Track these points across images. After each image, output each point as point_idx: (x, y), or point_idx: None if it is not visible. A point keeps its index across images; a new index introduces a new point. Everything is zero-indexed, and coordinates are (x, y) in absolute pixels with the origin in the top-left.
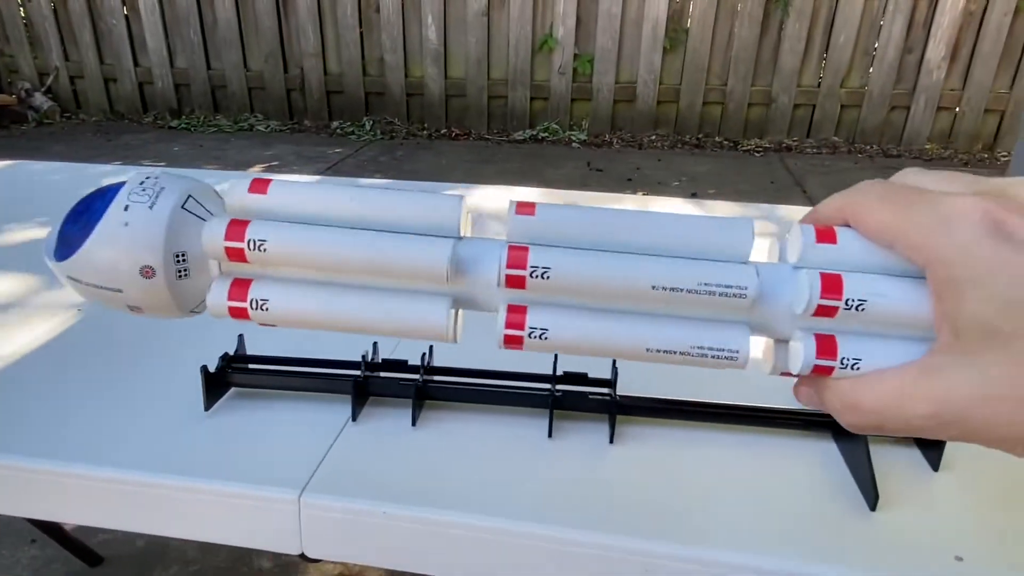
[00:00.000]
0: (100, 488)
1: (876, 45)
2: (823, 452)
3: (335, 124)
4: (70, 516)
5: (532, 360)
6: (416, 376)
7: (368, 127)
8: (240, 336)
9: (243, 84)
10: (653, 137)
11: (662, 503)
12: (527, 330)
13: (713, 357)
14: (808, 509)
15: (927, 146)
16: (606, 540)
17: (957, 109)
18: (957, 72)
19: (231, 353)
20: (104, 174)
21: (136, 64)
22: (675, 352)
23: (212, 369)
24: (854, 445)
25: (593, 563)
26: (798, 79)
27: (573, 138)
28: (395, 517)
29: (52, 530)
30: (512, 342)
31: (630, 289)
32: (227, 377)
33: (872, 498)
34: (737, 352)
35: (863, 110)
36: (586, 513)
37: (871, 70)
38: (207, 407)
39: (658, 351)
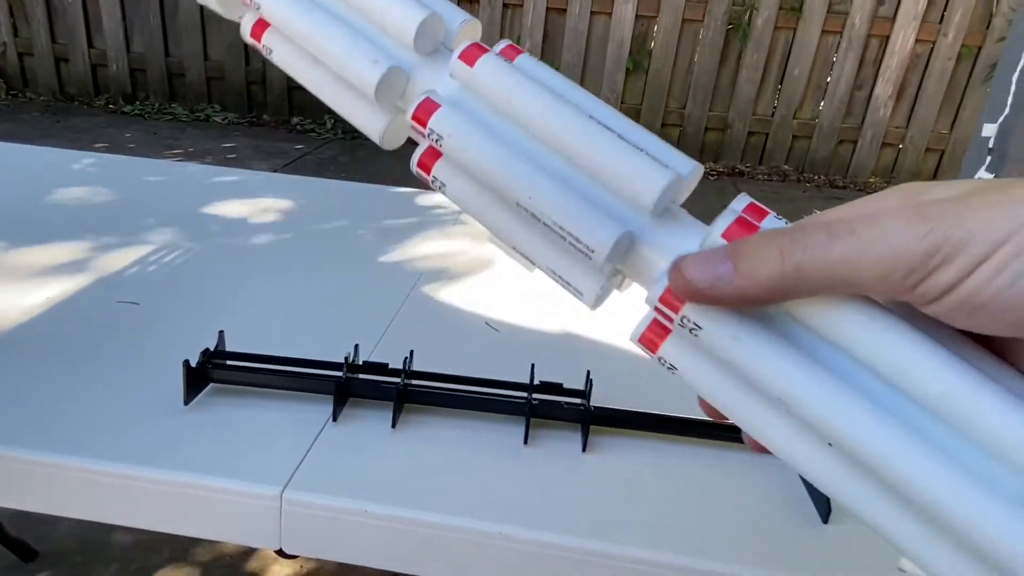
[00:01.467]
0: (74, 478)
1: (828, 80)
2: (781, 466)
3: (295, 120)
4: (40, 505)
5: (511, 369)
6: (397, 379)
7: (329, 125)
8: (220, 333)
9: (202, 73)
10: None
11: (630, 510)
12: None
13: (572, 244)
14: (765, 520)
15: (871, 179)
16: (577, 543)
17: (900, 146)
18: (902, 111)
19: (212, 349)
20: (53, 160)
21: (91, 45)
22: (541, 220)
23: (193, 364)
24: None
25: (565, 566)
26: (754, 107)
27: None
28: (375, 516)
29: None
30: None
31: (501, 193)
32: (208, 373)
33: (824, 511)
34: (593, 251)
35: (813, 141)
36: (559, 517)
37: (822, 104)
38: (187, 401)
39: (528, 211)
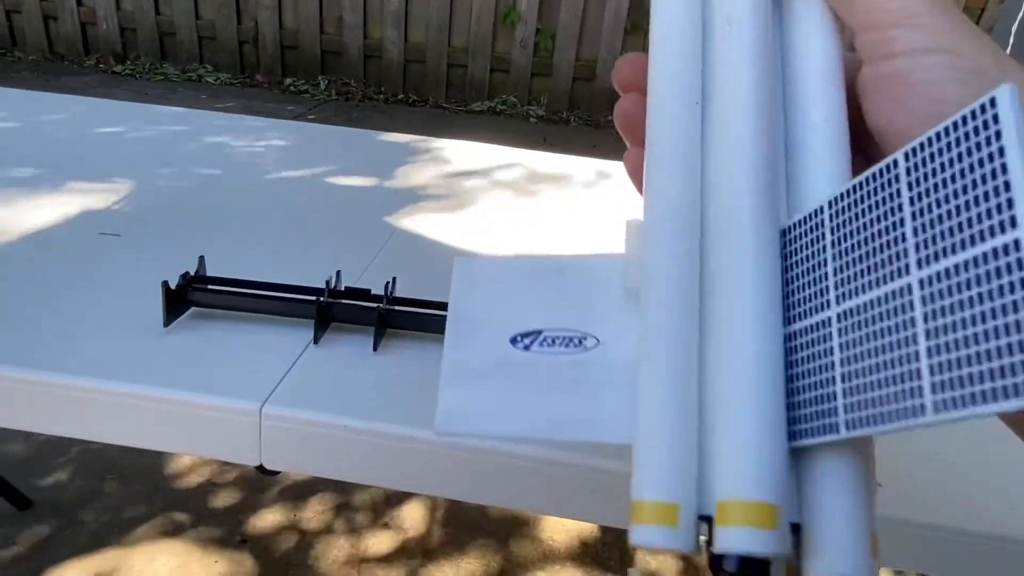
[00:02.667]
0: (50, 394)
1: None
2: None
3: (288, 81)
4: (22, 422)
5: None
6: (379, 304)
7: (323, 86)
8: (201, 258)
9: (193, 33)
10: (610, 118)
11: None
12: None
13: None
14: None
15: None
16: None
17: None
18: None
19: (192, 273)
20: (43, 103)
21: (79, 3)
22: None
23: (172, 286)
24: None
25: (548, 480)
26: None
27: (531, 113)
28: (354, 431)
29: None
30: None
31: None
32: (187, 295)
33: None
34: None
35: None
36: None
37: None
38: (166, 323)
39: None
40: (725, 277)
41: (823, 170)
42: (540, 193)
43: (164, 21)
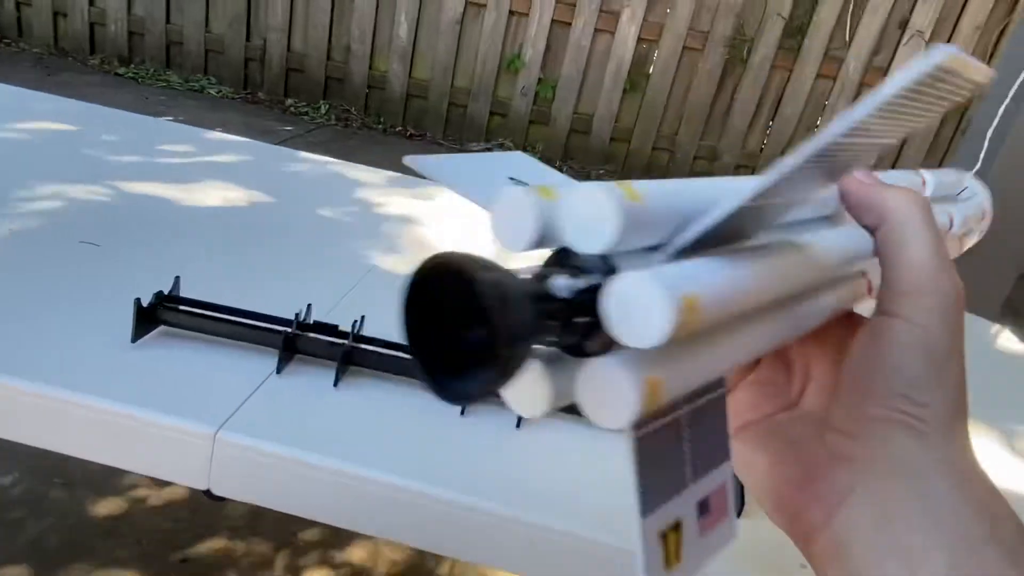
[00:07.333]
0: (13, 398)
1: (819, 122)
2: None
3: (290, 102)
4: None
5: None
6: (345, 341)
7: (324, 110)
8: (176, 278)
9: (201, 44)
10: (602, 172)
11: (561, 487)
12: None
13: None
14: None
15: None
16: (495, 508)
17: None
18: (886, 162)
19: (166, 292)
20: (43, 110)
21: (91, 3)
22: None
23: (145, 304)
24: None
25: (484, 531)
26: (744, 142)
27: None
28: (306, 464)
29: None
30: None
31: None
32: (159, 314)
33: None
34: None
35: None
36: (493, 485)
37: None
38: (134, 339)
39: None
40: None
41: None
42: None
43: (173, 30)
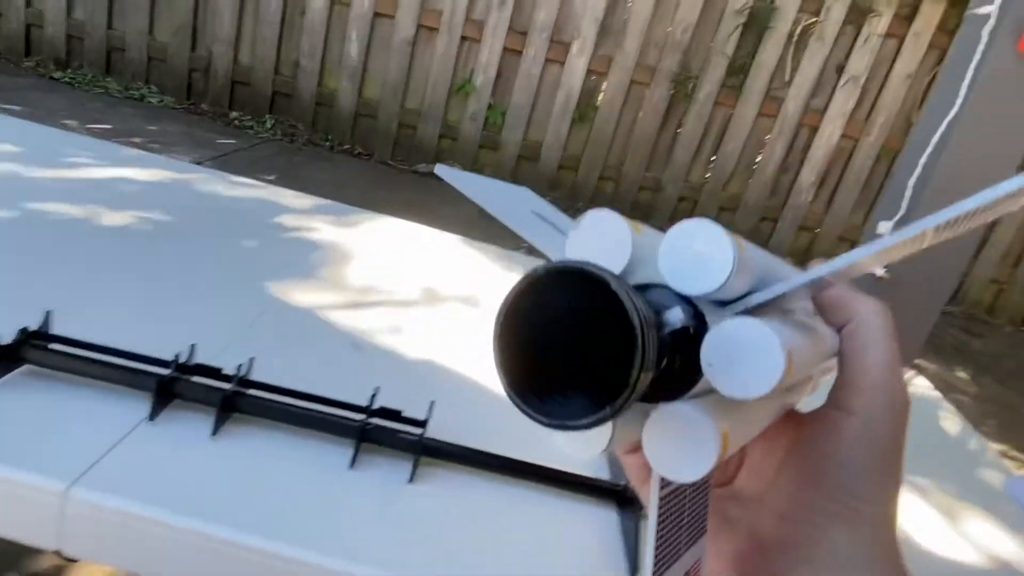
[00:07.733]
0: None
1: (758, 159)
2: (605, 519)
3: (234, 114)
4: None
5: (352, 390)
6: (227, 385)
7: (269, 125)
8: (48, 313)
9: (144, 52)
10: (549, 199)
11: (452, 545)
12: None
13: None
14: (575, 570)
15: (785, 258)
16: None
17: (817, 230)
18: (822, 199)
19: (33, 328)
20: None
21: (28, 4)
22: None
23: (7, 341)
24: (630, 517)
25: None
26: (687, 174)
27: None
28: (167, 526)
29: None
30: None
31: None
32: (22, 352)
33: (631, 569)
34: None
35: (737, 215)
36: (377, 548)
37: (750, 180)
38: None
39: None
40: None
41: None
42: (445, 292)
43: (115, 36)
